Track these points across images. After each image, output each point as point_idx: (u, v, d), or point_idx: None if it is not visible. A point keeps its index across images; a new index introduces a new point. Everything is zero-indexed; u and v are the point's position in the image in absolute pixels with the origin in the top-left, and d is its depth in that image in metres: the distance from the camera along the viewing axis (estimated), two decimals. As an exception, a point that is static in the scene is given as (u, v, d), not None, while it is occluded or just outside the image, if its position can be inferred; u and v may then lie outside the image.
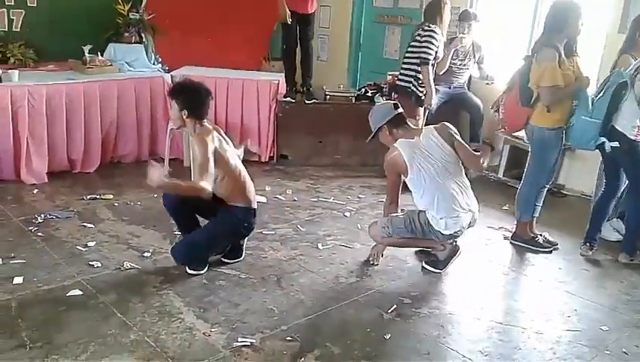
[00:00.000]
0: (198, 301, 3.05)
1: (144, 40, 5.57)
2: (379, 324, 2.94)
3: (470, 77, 5.68)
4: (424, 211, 3.42)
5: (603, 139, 3.62)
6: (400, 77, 4.90)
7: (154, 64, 5.62)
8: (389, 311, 3.06)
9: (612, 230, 4.16)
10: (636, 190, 3.74)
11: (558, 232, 4.16)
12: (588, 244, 3.95)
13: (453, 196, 3.35)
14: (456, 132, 3.48)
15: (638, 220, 3.81)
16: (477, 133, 5.49)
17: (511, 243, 4.07)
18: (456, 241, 3.56)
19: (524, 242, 4.01)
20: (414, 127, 3.51)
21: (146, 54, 5.54)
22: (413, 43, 4.78)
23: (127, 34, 5.50)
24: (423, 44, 4.65)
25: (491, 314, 3.11)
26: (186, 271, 3.33)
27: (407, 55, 4.84)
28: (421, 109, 4.84)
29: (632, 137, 3.57)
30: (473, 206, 3.45)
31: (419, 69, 4.70)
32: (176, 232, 3.77)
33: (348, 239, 3.98)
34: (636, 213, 3.80)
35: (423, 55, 4.65)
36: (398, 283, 3.41)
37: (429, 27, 4.66)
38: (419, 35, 4.72)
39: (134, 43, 5.54)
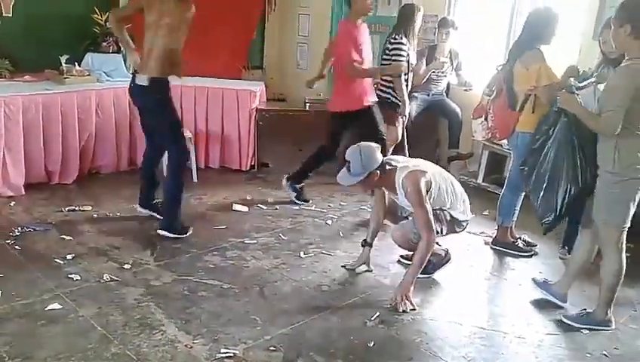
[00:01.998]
0: (180, 312, 3.02)
1: (122, 50, 5.51)
2: (362, 332, 2.94)
3: (448, 84, 5.74)
4: (443, 209, 3.41)
5: None
6: (380, 87, 4.95)
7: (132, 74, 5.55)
8: (372, 318, 3.07)
9: None
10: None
11: (537, 236, 4.20)
12: (566, 248, 4.00)
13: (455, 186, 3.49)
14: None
15: None
16: (456, 139, 5.56)
17: (491, 248, 4.11)
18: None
19: (505, 247, 4.05)
20: (393, 166, 3.35)
21: (124, 64, 5.49)
22: (384, 56, 4.88)
23: (104, 43, 5.45)
24: (392, 57, 4.73)
25: (473, 319, 3.13)
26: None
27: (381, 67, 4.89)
28: (400, 118, 4.89)
29: None
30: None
31: (392, 79, 4.76)
32: (154, 240, 3.83)
33: (330, 247, 3.98)
34: None
35: None
36: (380, 291, 3.42)
37: (395, 39, 4.75)
38: (387, 48, 4.82)
39: (112, 52, 5.48)
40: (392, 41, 4.79)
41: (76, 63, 5.26)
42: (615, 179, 2.87)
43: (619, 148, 2.82)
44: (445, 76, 5.58)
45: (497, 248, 4.08)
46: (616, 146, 2.82)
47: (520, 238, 4.10)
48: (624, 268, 3.03)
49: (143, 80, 3.88)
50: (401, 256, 3.78)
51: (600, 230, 3.02)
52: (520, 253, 4.01)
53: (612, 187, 2.89)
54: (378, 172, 3.26)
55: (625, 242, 3.02)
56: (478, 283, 3.64)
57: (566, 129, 3.10)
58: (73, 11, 5.61)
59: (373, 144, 3.36)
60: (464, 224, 3.54)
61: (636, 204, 2.93)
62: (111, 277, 3.35)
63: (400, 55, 4.71)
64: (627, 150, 2.82)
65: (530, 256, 4.01)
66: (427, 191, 3.25)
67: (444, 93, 5.72)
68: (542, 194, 3.24)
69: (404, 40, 4.73)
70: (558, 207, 3.17)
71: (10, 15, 5.42)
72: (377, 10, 6.54)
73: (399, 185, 3.25)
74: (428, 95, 5.54)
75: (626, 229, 2.97)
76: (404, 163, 3.35)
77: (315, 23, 7.02)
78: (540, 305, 3.36)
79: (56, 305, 3.01)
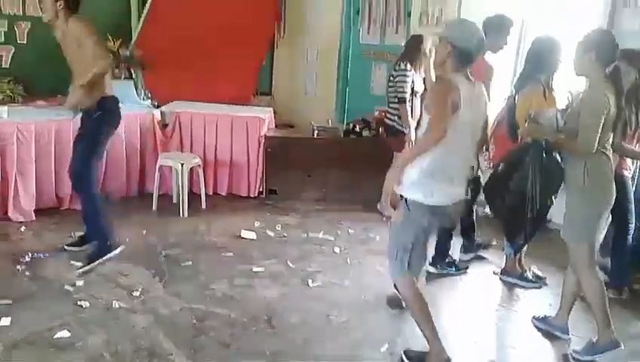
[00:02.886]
0: (189, 342, 3.02)
1: (133, 76, 5.61)
2: (371, 363, 2.93)
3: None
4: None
5: None
6: (387, 115, 5.08)
7: (143, 100, 5.65)
8: (382, 350, 3.06)
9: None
10: (619, 227, 3.78)
11: (545, 266, 4.19)
12: None
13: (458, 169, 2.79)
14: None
15: (619, 254, 3.87)
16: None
17: (500, 278, 4.10)
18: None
19: (514, 278, 4.03)
20: (467, 73, 2.76)
21: (136, 90, 5.57)
22: (389, 83, 5.02)
23: (117, 70, 5.53)
24: (397, 84, 4.87)
25: (484, 352, 3.12)
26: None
27: (388, 95, 5.04)
28: (407, 145, 4.93)
29: None
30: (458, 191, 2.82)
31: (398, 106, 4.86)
32: (163, 267, 3.87)
33: (338, 275, 3.98)
34: (619, 250, 3.86)
35: (399, 95, 4.87)
36: (390, 322, 3.41)
37: (399, 67, 4.89)
38: (392, 75, 4.97)
39: (124, 79, 5.57)
40: (397, 68, 4.92)
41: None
42: (586, 195, 3.02)
43: (587, 166, 2.98)
44: None
45: (506, 279, 4.06)
46: (585, 164, 2.98)
47: (529, 269, 4.08)
48: (603, 283, 3.14)
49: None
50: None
51: (572, 250, 3.16)
52: (529, 284, 3.99)
53: (583, 203, 3.05)
54: (449, 44, 2.69)
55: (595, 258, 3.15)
56: (487, 315, 3.62)
57: (537, 153, 3.15)
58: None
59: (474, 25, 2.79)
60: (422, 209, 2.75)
61: (605, 219, 3.10)
62: (120, 305, 3.36)
63: (405, 82, 4.84)
64: (596, 167, 2.99)
65: (539, 286, 3.99)
66: (452, 105, 2.62)
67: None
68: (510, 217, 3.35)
69: (409, 67, 4.85)
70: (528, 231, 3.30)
71: (25, 42, 5.54)
72: (385, 39, 6.63)
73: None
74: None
75: (597, 247, 3.15)
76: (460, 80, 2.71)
77: (323, 50, 7.10)
78: (550, 336, 3.33)
79: (65, 333, 3.02)
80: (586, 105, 2.97)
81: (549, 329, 3.38)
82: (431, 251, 3.82)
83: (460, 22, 2.99)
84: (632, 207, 3.75)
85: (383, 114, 5.43)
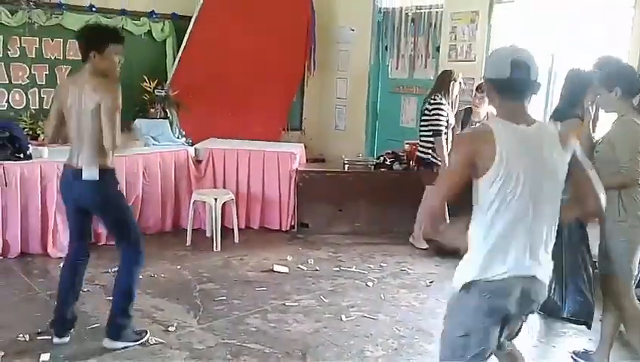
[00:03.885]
0: (224, 378, 3.03)
1: (169, 115, 5.77)
2: (407, 400, 2.89)
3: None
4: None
5: None
6: (419, 148, 5.11)
7: (178, 138, 5.79)
8: (418, 386, 3.02)
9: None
10: None
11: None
12: None
13: (535, 239, 2.09)
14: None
15: None
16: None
17: (538, 313, 4.00)
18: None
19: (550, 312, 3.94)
20: (527, 114, 2.15)
21: (171, 128, 5.72)
22: (423, 117, 5.04)
23: (152, 110, 5.71)
24: (433, 117, 4.90)
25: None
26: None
27: (421, 128, 5.08)
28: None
29: None
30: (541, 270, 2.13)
31: (433, 140, 4.87)
32: (198, 301, 3.89)
33: (371, 310, 3.95)
34: None
35: (434, 127, 4.90)
36: (425, 358, 3.36)
37: (434, 100, 4.93)
38: (427, 108, 4.98)
39: (159, 118, 5.73)
40: (432, 101, 4.95)
41: (126, 129, 5.49)
42: (622, 227, 2.98)
43: (621, 197, 2.96)
44: None
45: (543, 313, 3.97)
46: (619, 195, 2.96)
47: None
48: None
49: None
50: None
51: (609, 282, 3.09)
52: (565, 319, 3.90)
53: (620, 235, 3.00)
54: (490, 86, 2.16)
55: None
56: (526, 350, 3.53)
57: None
58: (123, 80, 5.88)
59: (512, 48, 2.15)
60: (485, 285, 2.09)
61: None
62: (156, 340, 3.39)
63: (440, 115, 4.87)
64: (628, 197, 2.97)
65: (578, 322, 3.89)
66: (470, 167, 2.04)
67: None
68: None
69: (443, 100, 4.89)
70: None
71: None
72: (415, 73, 6.70)
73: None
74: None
75: (635, 276, 3.08)
76: (512, 121, 2.09)
77: (352, 86, 7.21)
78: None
79: (104, 369, 3.06)
80: (622, 137, 2.97)
81: None
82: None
83: (489, 54, 2.34)
84: None
85: (414, 147, 5.46)
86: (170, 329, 3.55)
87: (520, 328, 2.29)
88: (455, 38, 6.15)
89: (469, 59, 5.99)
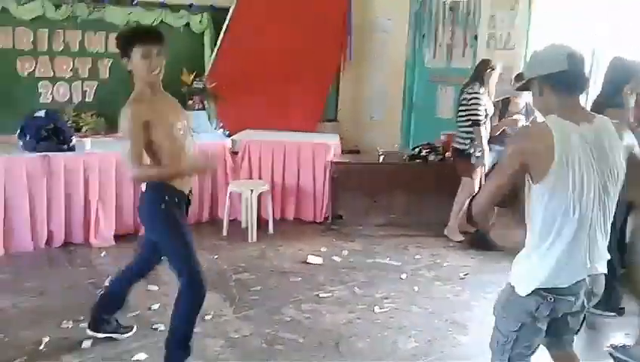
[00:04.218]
0: (258, 366, 3.10)
1: (207, 106, 5.86)
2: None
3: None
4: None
5: None
6: (456, 139, 5.05)
7: (216, 129, 5.88)
8: (450, 379, 3.02)
9: None
10: None
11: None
12: None
13: (598, 239, 2.08)
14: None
15: None
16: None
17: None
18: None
19: None
20: (583, 110, 2.12)
21: (209, 120, 5.81)
22: (460, 106, 4.98)
23: (190, 101, 5.81)
24: (471, 107, 4.84)
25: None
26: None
27: (458, 118, 5.00)
28: (479, 169, 4.90)
29: None
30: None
31: (472, 130, 4.80)
32: (234, 291, 3.96)
33: (405, 302, 3.96)
34: None
35: (473, 117, 4.83)
36: (458, 350, 3.36)
37: (472, 89, 4.87)
38: (464, 98, 4.93)
39: (197, 110, 5.82)
40: (470, 91, 4.90)
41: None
42: None
43: None
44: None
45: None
46: None
47: None
48: None
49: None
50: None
51: (635, 274, 2.98)
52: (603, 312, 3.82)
53: None
54: (540, 84, 2.09)
55: None
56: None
57: None
58: (164, 74, 6.03)
59: (562, 48, 2.07)
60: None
61: None
62: (195, 329, 3.47)
63: (478, 104, 4.82)
64: None
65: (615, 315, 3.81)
66: (523, 171, 2.02)
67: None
68: None
69: (481, 90, 4.84)
70: None
71: (107, 77, 5.92)
72: (452, 63, 6.62)
73: None
74: (502, 146, 5.48)
75: None
76: (568, 117, 2.03)
77: (389, 76, 7.16)
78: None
79: (142, 355, 3.16)
80: None
81: (628, 359, 3.21)
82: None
83: (535, 52, 2.20)
84: None
85: (450, 138, 5.42)
86: (206, 317, 3.63)
87: (582, 323, 2.27)
88: (494, 27, 6.09)
89: (508, 48, 5.90)
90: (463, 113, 4.92)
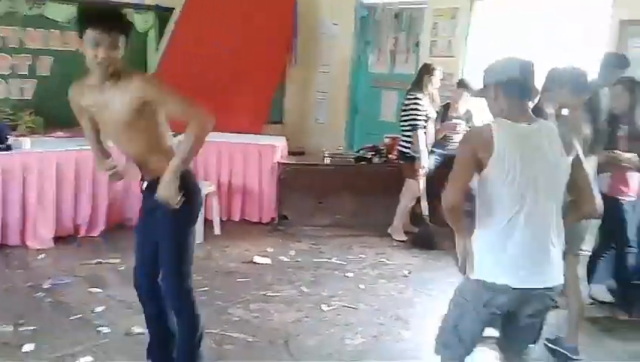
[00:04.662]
0: (208, 366, 3.08)
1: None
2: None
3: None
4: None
5: None
6: (400, 142, 5.24)
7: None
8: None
9: (605, 291, 4.18)
10: (619, 251, 3.90)
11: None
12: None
13: (541, 235, 2.19)
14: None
15: (620, 275, 3.96)
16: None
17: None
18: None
19: None
20: (528, 114, 2.28)
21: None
22: (402, 111, 5.18)
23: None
24: (410, 112, 5.04)
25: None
26: None
27: (401, 122, 5.19)
28: (421, 171, 5.06)
29: (605, 192, 3.74)
30: (548, 273, 2.22)
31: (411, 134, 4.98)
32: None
33: (351, 300, 4.04)
34: (622, 274, 3.95)
35: (412, 122, 5.03)
36: (405, 345, 3.46)
37: (412, 95, 5.06)
38: (405, 104, 5.13)
39: (141, 109, 5.71)
40: (410, 96, 5.09)
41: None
42: None
43: None
44: (459, 133, 5.69)
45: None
46: None
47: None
48: None
49: None
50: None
51: (569, 263, 3.08)
52: None
53: None
54: (497, 89, 2.26)
55: None
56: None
57: None
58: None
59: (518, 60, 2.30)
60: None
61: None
62: (140, 330, 3.42)
63: (417, 109, 5.00)
64: None
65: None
66: (475, 161, 2.17)
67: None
68: None
69: (420, 95, 5.01)
70: None
71: (48, 74, 5.74)
72: (395, 68, 6.79)
73: None
74: (443, 149, 5.65)
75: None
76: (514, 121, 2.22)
77: (333, 80, 7.26)
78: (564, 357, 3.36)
79: (87, 358, 3.09)
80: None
81: (561, 349, 3.40)
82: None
83: (492, 63, 2.38)
84: (629, 231, 3.85)
85: (394, 140, 5.57)
86: (153, 319, 3.59)
87: (539, 333, 2.46)
88: (436, 34, 6.25)
89: (449, 55, 6.10)
90: (404, 117, 5.12)
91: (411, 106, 5.03)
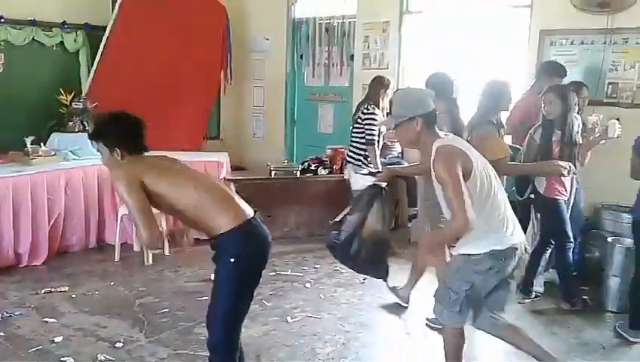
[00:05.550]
0: (184, 386, 3.06)
1: (87, 128, 5.59)
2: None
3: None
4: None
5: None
6: (349, 154, 5.11)
7: (98, 151, 5.61)
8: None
9: (541, 284, 4.45)
10: (558, 247, 4.22)
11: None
12: (522, 294, 4.32)
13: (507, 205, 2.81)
14: None
15: (562, 269, 4.26)
16: (414, 199, 5.86)
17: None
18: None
19: None
20: (441, 135, 2.77)
21: (91, 142, 5.54)
22: (355, 124, 5.02)
23: (70, 123, 5.52)
24: (365, 126, 4.89)
25: None
26: None
27: (353, 134, 5.05)
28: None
29: (542, 192, 4.10)
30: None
31: (365, 147, 4.94)
32: (140, 315, 3.89)
33: (314, 309, 4.11)
34: (560, 263, 4.27)
35: (367, 136, 4.88)
36: (373, 349, 3.57)
37: (368, 110, 4.91)
38: (359, 117, 4.97)
39: (78, 132, 5.55)
40: (365, 111, 4.94)
41: (42, 144, 5.29)
42: None
43: None
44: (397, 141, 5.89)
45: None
46: None
47: None
48: None
49: None
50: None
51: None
52: None
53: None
54: (421, 121, 2.68)
55: None
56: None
57: None
58: (36, 94, 5.72)
59: (425, 90, 2.97)
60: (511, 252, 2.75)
61: None
62: (105, 357, 3.34)
63: (373, 124, 4.87)
64: None
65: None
66: (466, 176, 2.60)
67: (400, 155, 6.03)
68: None
69: (377, 110, 4.92)
70: None
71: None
72: (330, 81, 6.95)
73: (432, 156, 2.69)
74: (385, 158, 5.83)
75: None
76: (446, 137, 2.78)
77: (269, 94, 7.34)
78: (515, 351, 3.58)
79: (56, 390, 2.99)
80: None
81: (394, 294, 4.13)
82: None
83: (406, 93, 3.04)
84: (568, 227, 4.16)
85: (337, 151, 5.69)
86: (117, 345, 3.50)
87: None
88: (368, 47, 6.46)
89: (382, 67, 6.32)
90: (359, 132, 4.97)
91: (367, 121, 4.87)
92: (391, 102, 3.14)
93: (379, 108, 4.99)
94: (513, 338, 2.99)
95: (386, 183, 3.61)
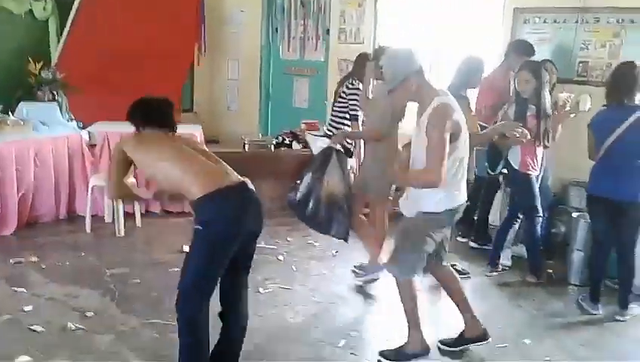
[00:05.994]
0: (156, 355, 3.09)
1: (57, 98, 5.49)
2: (333, 358, 3.16)
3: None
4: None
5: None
6: (329, 128, 4.95)
7: (68, 121, 5.54)
8: (341, 345, 3.28)
9: (509, 257, 4.57)
10: (527, 220, 4.32)
11: (467, 262, 4.60)
12: (489, 267, 4.45)
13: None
14: None
15: (531, 243, 4.37)
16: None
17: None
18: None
19: None
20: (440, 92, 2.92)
21: (60, 112, 5.46)
22: (339, 99, 4.82)
23: (39, 93, 5.41)
24: (350, 102, 4.68)
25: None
26: None
27: (335, 110, 4.88)
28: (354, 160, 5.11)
29: (516, 167, 4.18)
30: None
31: (349, 123, 4.75)
32: (111, 286, 3.90)
33: (286, 281, 4.15)
34: (528, 236, 4.38)
35: (351, 112, 4.68)
36: (341, 319, 3.65)
37: (353, 84, 4.69)
38: (343, 92, 4.76)
39: (48, 101, 5.44)
40: (350, 86, 4.73)
41: (10, 113, 5.18)
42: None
43: None
44: None
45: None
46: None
47: (453, 266, 4.35)
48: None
49: None
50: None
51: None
52: None
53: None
54: (415, 79, 2.83)
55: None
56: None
57: None
58: (5, 62, 5.57)
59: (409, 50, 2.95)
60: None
61: None
62: (76, 326, 3.34)
63: (357, 100, 4.63)
64: None
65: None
66: (453, 138, 2.80)
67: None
68: None
69: (360, 86, 4.64)
70: None
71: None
72: (305, 55, 6.92)
73: (428, 113, 2.79)
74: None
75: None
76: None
77: (244, 67, 7.27)
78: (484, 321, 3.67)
79: (25, 358, 2.98)
80: None
81: (364, 272, 4.20)
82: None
83: (392, 56, 2.96)
84: (537, 201, 4.25)
85: (312, 125, 5.69)
86: (88, 314, 3.51)
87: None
88: (344, 22, 6.44)
89: (357, 42, 6.32)
90: (342, 107, 4.79)
91: (351, 97, 4.65)
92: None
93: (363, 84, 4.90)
94: (453, 284, 3.31)
95: (339, 145, 3.82)
